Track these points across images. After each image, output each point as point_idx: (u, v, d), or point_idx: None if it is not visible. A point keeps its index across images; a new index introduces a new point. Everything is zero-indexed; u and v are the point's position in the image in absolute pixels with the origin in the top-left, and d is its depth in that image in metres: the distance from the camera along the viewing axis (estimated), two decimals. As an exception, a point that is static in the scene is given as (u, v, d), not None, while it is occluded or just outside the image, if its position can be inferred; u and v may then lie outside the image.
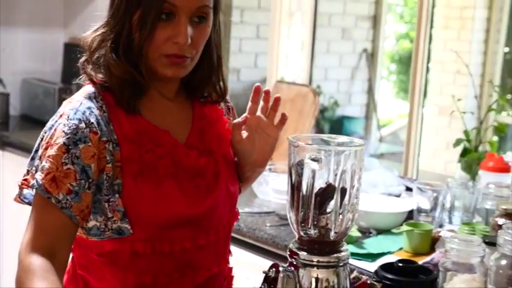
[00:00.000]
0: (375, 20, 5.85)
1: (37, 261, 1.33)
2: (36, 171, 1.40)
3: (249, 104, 1.61)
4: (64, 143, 1.39)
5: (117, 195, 1.43)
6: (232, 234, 1.69)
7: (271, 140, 1.61)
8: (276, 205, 2.62)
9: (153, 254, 1.47)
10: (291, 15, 4.24)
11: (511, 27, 5.60)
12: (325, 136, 1.55)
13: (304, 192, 1.41)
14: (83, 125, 1.41)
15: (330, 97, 5.64)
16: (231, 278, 1.71)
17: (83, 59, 1.51)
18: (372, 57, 5.87)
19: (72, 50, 4.29)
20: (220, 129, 1.62)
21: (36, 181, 1.38)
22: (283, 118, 1.60)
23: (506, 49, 5.66)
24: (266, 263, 2.24)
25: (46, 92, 4.11)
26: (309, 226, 1.43)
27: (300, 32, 4.11)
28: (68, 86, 4.01)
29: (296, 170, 1.44)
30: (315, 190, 1.41)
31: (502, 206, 1.98)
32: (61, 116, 1.43)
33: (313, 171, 1.39)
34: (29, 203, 1.42)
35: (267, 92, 1.61)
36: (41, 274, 1.32)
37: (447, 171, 4.87)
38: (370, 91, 5.94)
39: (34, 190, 1.40)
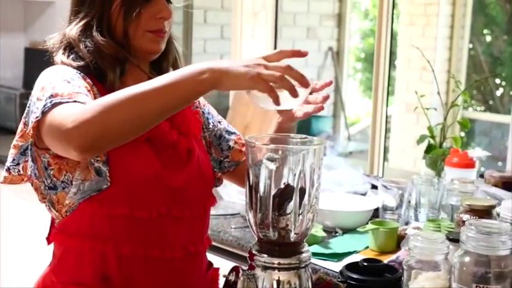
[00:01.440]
0: (340, 18, 5.85)
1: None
2: (37, 110, 1.42)
3: None
4: (64, 79, 1.47)
5: None
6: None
7: None
8: (240, 206, 2.59)
9: (131, 220, 1.52)
10: (255, 15, 4.20)
11: (475, 23, 5.63)
12: (283, 135, 1.52)
13: (261, 193, 1.38)
14: (73, 71, 1.53)
15: (296, 96, 5.60)
16: (217, 277, 1.77)
17: (58, 55, 1.60)
18: (337, 55, 5.87)
19: (33, 54, 4.28)
20: (190, 115, 1.71)
21: (52, 100, 1.40)
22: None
23: (470, 45, 5.69)
24: (231, 265, 2.22)
25: (7, 98, 4.04)
26: (268, 228, 1.40)
27: (264, 32, 4.08)
28: (29, 91, 3.92)
29: (253, 171, 1.41)
30: (273, 191, 1.38)
31: (466, 202, 1.96)
32: (46, 75, 1.52)
33: (270, 172, 1.35)
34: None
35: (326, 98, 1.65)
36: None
37: (416, 168, 4.87)
38: (337, 90, 5.93)
39: (41, 122, 1.41)
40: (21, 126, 1.53)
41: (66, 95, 1.41)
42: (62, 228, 1.58)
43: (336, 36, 5.86)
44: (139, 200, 1.54)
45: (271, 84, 1.32)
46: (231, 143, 1.81)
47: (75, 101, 1.39)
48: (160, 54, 1.65)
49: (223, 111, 3.61)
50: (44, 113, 1.40)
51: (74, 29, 1.59)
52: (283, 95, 1.34)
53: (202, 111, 1.80)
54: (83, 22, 1.59)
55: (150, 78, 1.59)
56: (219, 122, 1.83)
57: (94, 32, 1.57)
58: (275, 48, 4.02)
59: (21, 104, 3.90)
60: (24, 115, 1.53)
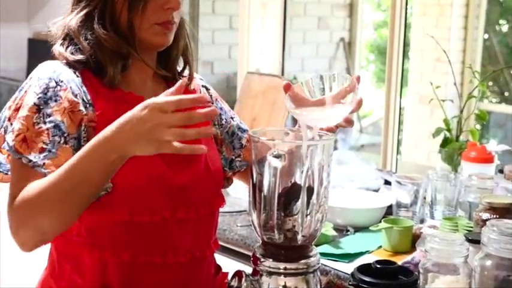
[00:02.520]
0: (352, 8, 5.76)
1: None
2: (5, 132, 1.41)
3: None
4: (35, 103, 1.39)
5: None
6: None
7: None
8: (247, 203, 2.48)
9: (132, 225, 1.45)
10: (265, 5, 4.12)
11: (490, 13, 5.53)
12: (290, 130, 1.43)
13: (266, 192, 1.28)
14: (53, 83, 1.42)
15: (307, 88, 5.54)
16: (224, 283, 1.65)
17: (57, 45, 1.51)
18: (349, 46, 5.78)
19: (36, 45, 4.22)
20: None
21: (7, 143, 1.38)
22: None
23: (486, 35, 5.59)
24: (237, 266, 2.13)
25: (10, 89, 4.00)
26: (273, 230, 1.30)
27: (273, 23, 3.99)
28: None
29: (257, 168, 1.31)
30: (278, 190, 1.28)
31: (486, 200, 1.85)
32: (31, 78, 1.45)
33: (275, 169, 1.25)
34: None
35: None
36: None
37: (430, 162, 4.79)
38: (349, 81, 5.84)
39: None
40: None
41: (17, 141, 1.36)
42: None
43: (347, 27, 5.78)
44: (141, 204, 1.45)
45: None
46: (244, 142, 1.73)
47: (20, 158, 1.36)
48: (170, 46, 1.56)
49: (231, 104, 3.53)
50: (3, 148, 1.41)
51: (74, 19, 1.49)
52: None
53: (215, 106, 1.70)
54: (84, 12, 1.49)
55: (155, 73, 1.58)
56: (232, 118, 1.74)
57: (95, 23, 1.47)
58: (284, 38, 3.94)
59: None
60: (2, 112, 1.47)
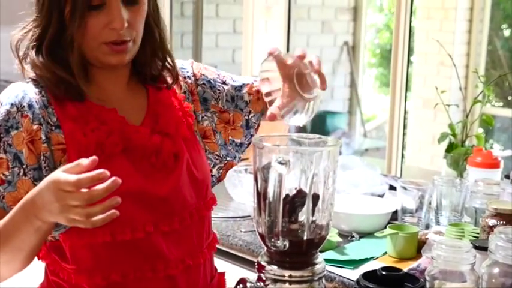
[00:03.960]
0: (355, 12, 5.74)
1: None
2: None
3: None
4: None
5: None
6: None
7: None
8: (251, 208, 2.47)
9: (115, 245, 1.40)
10: (269, 9, 4.11)
11: (494, 17, 5.50)
12: (295, 136, 1.41)
13: (270, 199, 1.25)
14: (14, 109, 1.37)
15: (311, 92, 5.52)
16: (224, 282, 1.65)
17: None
18: (353, 50, 5.76)
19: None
20: (178, 114, 1.55)
21: None
22: None
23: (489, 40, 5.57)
24: (241, 272, 2.11)
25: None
26: (278, 237, 1.28)
27: (277, 26, 3.98)
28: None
29: (262, 175, 1.29)
30: (283, 197, 1.26)
31: (493, 206, 1.83)
32: None
33: (280, 176, 1.23)
34: None
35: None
36: None
37: (434, 166, 4.76)
38: (353, 85, 5.82)
39: None
40: None
41: None
42: (51, 251, 1.45)
43: (351, 31, 5.76)
44: (121, 222, 1.33)
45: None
46: (246, 98, 1.67)
47: None
48: (138, 51, 1.47)
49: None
50: None
51: (17, 35, 1.43)
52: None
53: (203, 83, 1.64)
54: (27, 29, 1.42)
55: (130, 78, 1.51)
56: (224, 83, 1.66)
57: (30, 45, 1.41)
58: (288, 43, 3.92)
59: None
60: None
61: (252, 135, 1.68)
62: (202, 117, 1.63)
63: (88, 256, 1.40)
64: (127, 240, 1.40)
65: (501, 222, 1.80)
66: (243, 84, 1.68)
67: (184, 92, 1.61)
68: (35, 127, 1.36)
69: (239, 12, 4.33)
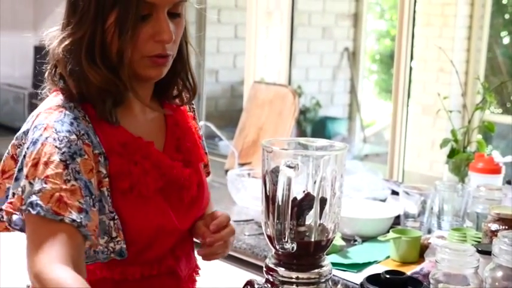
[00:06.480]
0: (356, 18, 5.76)
1: (68, 273, 1.15)
2: (23, 192, 1.24)
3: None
4: (61, 159, 1.24)
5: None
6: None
7: None
8: (255, 212, 2.49)
9: (141, 280, 1.39)
10: (270, 15, 4.12)
11: (493, 24, 5.52)
12: (302, 140, 1.42)
13: (279, 202, 1.27)
14: (74, 136, 1.28)
15: (311, 98, 5.54)
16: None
17: (49, 73, 1.38)
18: (353, 56, 5.77)
19: (42, 53, 4.21)
20: (193, 137, 1.53)
21: (37, 205, 1.20)
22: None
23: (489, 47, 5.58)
24: (245, 275, 2.12)
25: (16, 97, 3.98)
26: (286, 239, 1.29)
27: (279, 32, 3.99)
28: (39, 91, 3.88)
29: (270, 178, 1.31)
30: (292, 200, 1.27)
31: (495, 211, 1.85)
32: (45, 128, 1.27)
33: (289, 179, 1.24)
34: (21, 230, 1.27)
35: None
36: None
37: (433, 172, 4.77)
38: (353, 91, 5.83)
39: (24, 214, 1.23)
40: (11, 163, 1.34)
41: (55, 201, 1.21)
42: None
43: (352, 37, 5.77)
44: (151, 259, 1.39)
45: None
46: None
47: (61, 220, 1.20)
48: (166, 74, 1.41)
49: (237, 113, 3.53)
50: (25, 211, 1.23)
51: (60, 47, 1.32)
52: None
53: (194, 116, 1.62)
54: (70, 40, 1.32)
55: (149, 106, 1.43)
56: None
57: (83, 54, 1.30)
58: (291, 48, 3.94)
59: (30, 103, 3.85)
60: (18, 164, 1.30)
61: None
62: None
63: (112, 283, 1.37)
64: (152, 275, 1.41)
65: (503, 227, 1.81)
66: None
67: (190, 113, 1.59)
68: (96, 158, 1.31)
69: (241, 18, 4.34)
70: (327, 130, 5.54)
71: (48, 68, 1.38)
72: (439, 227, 2.27)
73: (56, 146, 1.25)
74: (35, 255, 1.18)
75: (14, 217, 1.27)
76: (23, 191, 1.24)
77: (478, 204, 2.17)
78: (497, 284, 1.49)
